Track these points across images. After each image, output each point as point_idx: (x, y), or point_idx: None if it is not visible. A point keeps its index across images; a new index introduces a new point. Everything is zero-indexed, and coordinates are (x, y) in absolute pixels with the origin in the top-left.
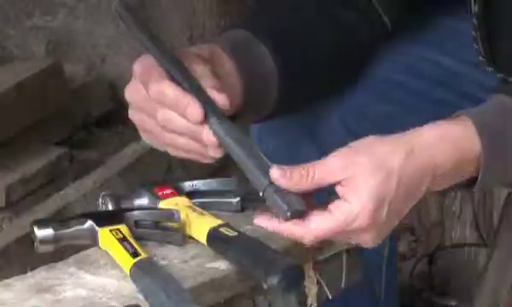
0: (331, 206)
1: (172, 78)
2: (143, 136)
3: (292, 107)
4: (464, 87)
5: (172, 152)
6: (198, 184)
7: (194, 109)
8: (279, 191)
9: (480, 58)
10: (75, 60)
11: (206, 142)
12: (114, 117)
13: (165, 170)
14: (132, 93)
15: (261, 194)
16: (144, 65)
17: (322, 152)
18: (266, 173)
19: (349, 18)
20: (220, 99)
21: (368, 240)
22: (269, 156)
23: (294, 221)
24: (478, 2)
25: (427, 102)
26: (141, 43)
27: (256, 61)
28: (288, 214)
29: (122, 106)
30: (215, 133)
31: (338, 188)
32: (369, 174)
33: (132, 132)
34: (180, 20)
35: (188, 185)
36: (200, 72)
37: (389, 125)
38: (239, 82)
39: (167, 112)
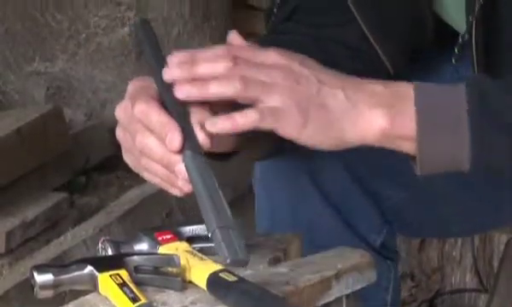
0: None
1: (163, 102)
2: (125, 156)
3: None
4: None
5: (147, 177)
6: (198, 229)
7: (174, 137)
8: (226, 238)
9: None
10: (75, 106)
11: (177, 174)
12: (114, 162)
13: (165, 216)
14: (121, 111)
15: (209, 235)
16: (138, 84)
17: (326, 198)
18: (218, 217)
19: (350, 60)
20: (201, 137)
21: (278, 84)
22: (272, 203)
23: None
24: (478, 50)
25: None
26: (147, 62)
27: None
28: (228, 261)
29: (122, 151)
30: (186, 166)
31: None
32: None
33: (132, 177)
34: None
35: (188, 230)
36: (194, 103)
37: (396, 174)
38: None
39: (145, 137)
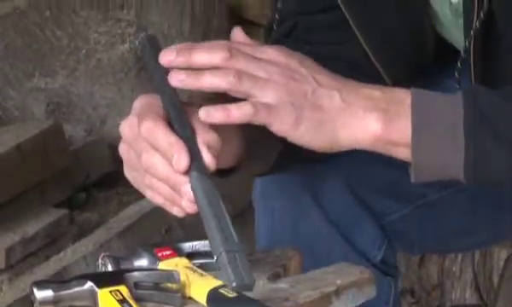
0: None
1: (169, 121)
2: (127, 173)
3: (295, 158)
4: None
5: (149, 196)
6: (198, 245)
7: (181, 158)
8: (233, 262)
9: None
10: (75, 122)
11: (183, 195)
12: (114, 178)
13: (165, 232)
14: (126, 127)
15: (215, 258)
16: (145, 101)
17: (325, 214)
18: (225, 240)
19: (350, 76)
20: (207, 158)
21: (274, 80)
22: (272, 220)
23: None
24: (475, 65)
25: None
26: (153, 80)
27: None
28: (234, 284)
29: (122, 167)
30: (192, 188)
31: None
32: None
33: (132, 193)
34: None
35: (187, 246)
36: (201, 123)
37: (396, 190)
38: (242, 134)
39: (151, 156)
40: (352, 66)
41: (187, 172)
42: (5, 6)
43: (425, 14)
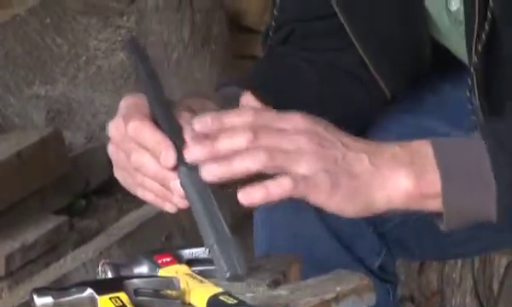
0: None
1: (156, 120)
2: (117, 174)
3: None
4: None
5: (141, 194)
6: (198, 252)
7: (169, 154)
8: (225, 253)
9: (473, 117)
10: (75, 129)
11: (173, 190)
12: (114, 185)
13: (165, 239)
14: (113, 128)
15: (207, 250)
16: (130, 101)
17: (324, 220)
18: (216, 232)
19: (347, 83)
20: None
21: (304, 150)
22: (271, 227)
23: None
24: (478, 75)
25: None
26: (140, 79)
27: None
28: (227, 275)
29: None
30: (181, 182)
31: None
32: None
33: (131, 200)
34: (180, 90)
35: (187, 253)
36: (185, 120)
37: None
38: None
39: (140, 155)
40: (348, 75)
41: (175, 168)
42: (5, 13)
43: (423, 21)
